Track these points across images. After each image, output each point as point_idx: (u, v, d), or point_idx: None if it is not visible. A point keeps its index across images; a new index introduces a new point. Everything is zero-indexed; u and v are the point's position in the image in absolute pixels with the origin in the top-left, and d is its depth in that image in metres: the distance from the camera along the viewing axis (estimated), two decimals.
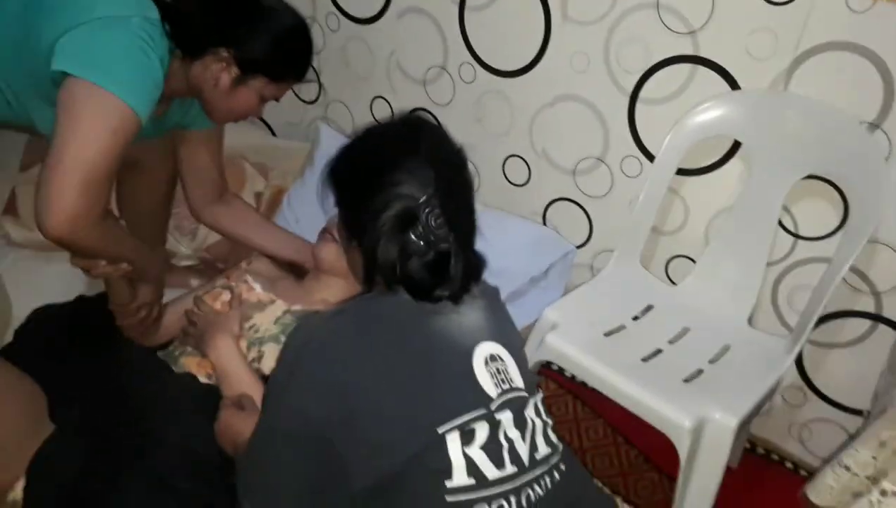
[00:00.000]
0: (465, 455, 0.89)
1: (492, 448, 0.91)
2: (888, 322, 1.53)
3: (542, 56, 1.76)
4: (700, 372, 1.40)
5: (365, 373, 0.91)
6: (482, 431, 0.91)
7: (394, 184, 0.97)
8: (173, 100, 1.36)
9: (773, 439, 1.79)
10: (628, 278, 1.62)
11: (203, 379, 1.38)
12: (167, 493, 1.16)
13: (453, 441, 0.89)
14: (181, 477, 1.18)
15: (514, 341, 1.06)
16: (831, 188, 1.48)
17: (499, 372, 0.97)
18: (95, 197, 1.14)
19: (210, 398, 1.27)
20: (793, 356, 1.39)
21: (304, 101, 2.38)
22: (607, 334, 1.47)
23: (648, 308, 1.57)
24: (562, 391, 1.89)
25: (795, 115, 1.44)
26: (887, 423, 0.79)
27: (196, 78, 1.27)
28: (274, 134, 2.49)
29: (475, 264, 1.02)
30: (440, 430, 0.89)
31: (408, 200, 0.96)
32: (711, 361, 1.44)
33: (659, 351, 1.45)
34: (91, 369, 1.40)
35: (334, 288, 1.51)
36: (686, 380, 1.37)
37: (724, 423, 1.23)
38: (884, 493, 0.71)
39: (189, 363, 1.42)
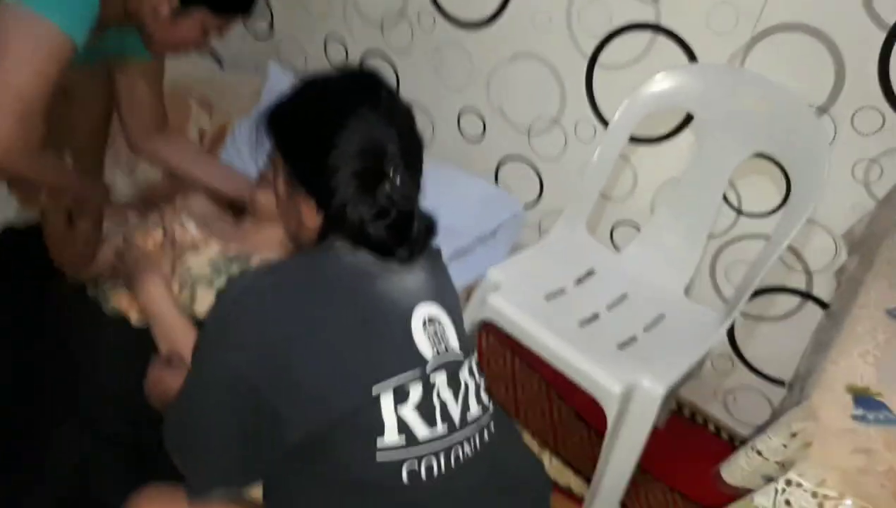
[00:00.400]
0: (398, 415, 0.90)
1: (424, 409, 0.92)
2: (816, 300, 1.59)
3: (504, 10, 1.73)
4: (634, 339, 1.44)
5: (299, 333, 0.90)
6: (416, 392, 0.92)
7: (356, 139, 0.93)
8: (109, 27, 1.29)
9: (699, 402, 1.86)
10: (573, 242, 1.63)
11: (134, 317, 1.35)
12: (100, 439, 1.14)
13: (387, 402, 0.89)
14: (112, 422, 1.16)
15: (452, 302, 1.05)
16: (776, 168, 1.51)
17: (436, 334, 0.97)
18: (30, 125, 1.10)
19: (141, 342, 1.25)
20: (724, 329, 1.43)
21: (255, 37, 2.29)
22: (548, 297, 1.49)
23: (590, 272, 1.59)
24: (501, 346, 1.92)
25: (749, 93, 1.45)
26: (800, 414, 0.82)
27: (133, 6, 1.20)
28: (222, 67, 2.39)
29: (432, 225, 1.01)
30: (374, 390, 0.89)
31: (374, 156, 0.93)
32: (646, 329, 1.47)
33: (596, 316, 1.48)
34: (20, 304, 1.35)
35: (272, 232, 1.48)
36: (620, 346, 1.40)
37: (651, 391, 1.27)
38: (789, 483, 0.74)
39: (120, 300, 1.38)
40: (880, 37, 1.30)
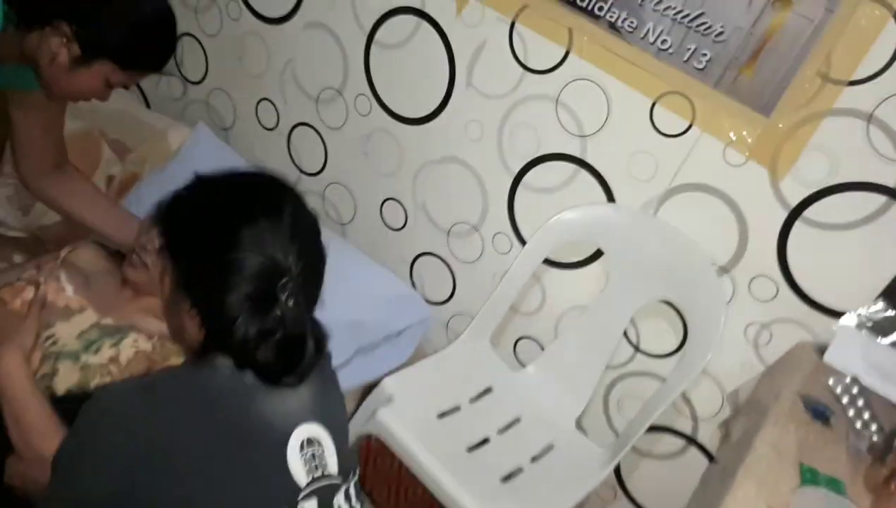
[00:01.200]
0: None
1: None
2: (700, 447, 1.62)
3: (440, 113, 1.74)
4: (520, 470, 1.42)
5: (163, 455, 0.85)
6: None
7: (252, 259, 0.90)
8: (3, 63, 1.21)
9: None
10: (475, 355, 1.62)
11: None
12: None
13: None
14: None
15: (337, 420, 1.02)
16: (676, 315, 1.56)
17: (314, 457, 0.94)
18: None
19: None
20: (610, 469, 1.44)
21: (188, 80, 2.22)
22: (441, 415, 1.46)
23: (488, 390, 1.58)
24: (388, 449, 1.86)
25: (658, 241, 1.49)
26: None
27: (31, 48, 1.11)
28: (148, 105, 2.30)
29: (322, 342, 0.97)
30: None
31: (268, 280, 0.90)
32: (534, 459, 1.47)
33: (486, 441, 1.46)
34: None
35: (153, 303, 1.41)
36: (504, 479, 1.39)
37: None
38: None
39: None
40: (782, 215, 1.37)
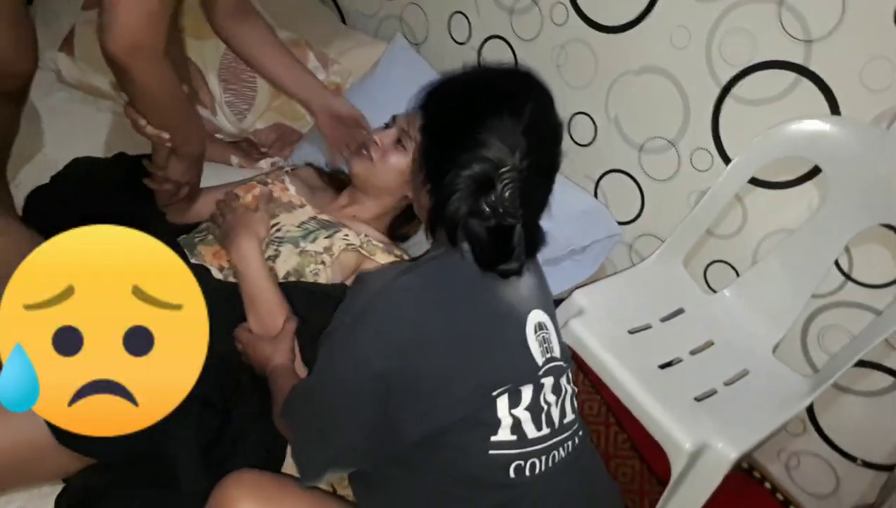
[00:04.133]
0: (512, 415, 0.95)
1: (534, 410, 0.97)
2: None
3: (643, 20, 1.65)
4: (713, 392, 1.39)
5: (430, 334, 0.94)
6: (527, 393, 0.97)
7: (483, 144, 0.95)
8: None
9: (761, 458, 1.80)
10: (666, 275, 1.58)
11: (216, 272, 1.38)
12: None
13: (503, 403, 0.95)
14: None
15: (553, 311, 1.10)
16: None
17: (545, 341, 1.02)
18: (157, 26, 1.15)
19: (217, 296, 1.26)
20: (810, 400, 1.37)
21: None
22: (632, 331, 1.45)
23: (679, 311, 1.54)
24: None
25: (888, 159, 1.35)
26: None
27: None
28: (344, 21, 2.38)
29: (536, 242, 1.02)
30: (493, 394, 0.94)
31: (491, 165, 0.95)
32: (727, 383, 1.42)
33: (679, 360, 1.43)
34: None
35: (366, 205, 1.49)
36: (697, 398, 1.36)
37: (723, 454, 1.23)
38: None
39: (205, 252, 1.41)
40: None
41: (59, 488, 1.16)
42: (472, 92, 1.02)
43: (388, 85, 1.82)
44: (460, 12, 2.05)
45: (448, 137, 0.99)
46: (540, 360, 0.99)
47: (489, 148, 0.94)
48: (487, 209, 0.95)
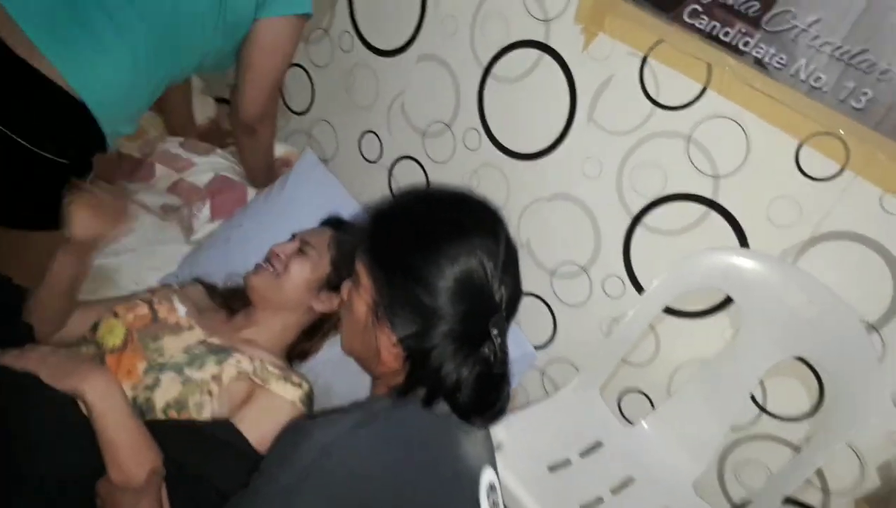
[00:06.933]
0: None
1: None
2: None
3: (554, 149, 1.67)
4: None
5: (386, 496, 0.81)
6: None
7: (468, 287, 0.86)
8: None
9: None
10: (583, 405, 1.52)
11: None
12: None
13: None
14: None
15: (496, 464, 0.99)
16: (811, 374, 1.42)
17: (495, 505, 0.91)
18: (276, 96, 1.64)
19: (87, 430, 1.07)
20: None
21: (292, 110, 2.23)
22: (552, 468, 1.35)
23: (597, 444, 1.47)
24: None
25: (798, 293, 1.37)
26: None
27: None
28: None
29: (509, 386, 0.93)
30: None
31: (481, 309, 0.86)
32: None
33: (600, 501, 1.34)
34: None
35: (267, 324, 1.36)
36: None
37: None
38: None
39: None
40: None
41: None
42: (434, 227, 0.90)
43: (294, 199, 1.75)
44: (372, 131, 2.04)
45: (418, 284, 0.86)
46: None
47: (472, 293, 0.85)
48: (480, 362, 0.86)
